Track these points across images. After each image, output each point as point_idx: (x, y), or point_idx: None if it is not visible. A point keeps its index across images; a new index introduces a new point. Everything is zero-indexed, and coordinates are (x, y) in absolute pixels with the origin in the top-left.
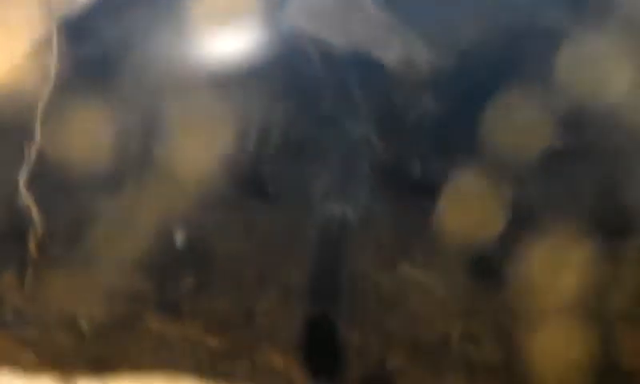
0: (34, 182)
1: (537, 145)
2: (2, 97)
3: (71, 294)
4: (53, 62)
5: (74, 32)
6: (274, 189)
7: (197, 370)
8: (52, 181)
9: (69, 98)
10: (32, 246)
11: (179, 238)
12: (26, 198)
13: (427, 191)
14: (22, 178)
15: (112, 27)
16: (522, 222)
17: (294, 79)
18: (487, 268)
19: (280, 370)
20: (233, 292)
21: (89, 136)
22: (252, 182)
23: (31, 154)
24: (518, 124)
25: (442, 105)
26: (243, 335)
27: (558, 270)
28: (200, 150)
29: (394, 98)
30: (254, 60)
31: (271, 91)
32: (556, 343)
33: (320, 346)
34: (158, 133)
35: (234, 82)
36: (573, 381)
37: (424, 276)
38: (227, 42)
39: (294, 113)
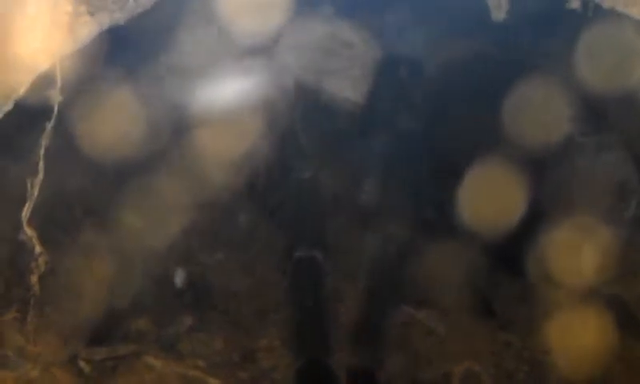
0: (36, 218)
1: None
2: (5, 131)
3: (72, 333)
4: (56, 96)
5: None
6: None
7: None
8: (54, 217)
9: (71, 133)
10: (34, 283)
11: (179, 277)
12: (28, 234)
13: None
14: (25, 215)
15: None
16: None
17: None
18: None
19: None
20: (232, 330)
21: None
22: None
23: (34, 190)
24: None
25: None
26: (243, 374)
27: (576, 258)
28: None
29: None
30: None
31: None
32: (573, 331)
33: None
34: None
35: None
36: (588, 369)
37: (425, 316)
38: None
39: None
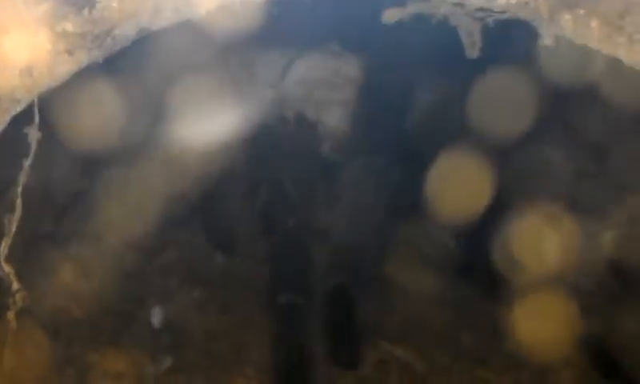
0: (13, 255)
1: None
2: None
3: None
4: (34, 133)
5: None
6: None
7: None
8: (32, 254)
9: (50, 169)
10: (11, 320)
11: (156, 316)
12: (6, 271)
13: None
14: (3, 252)
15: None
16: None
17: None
18: None
19: None
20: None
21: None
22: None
23: (12, 227)
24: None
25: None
26: None
27: (538, 247)
28: None
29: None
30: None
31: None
32: (540, 314)
33: None
34: None
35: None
36: (557, 353)
37: (403, 352)
38: None
39: None
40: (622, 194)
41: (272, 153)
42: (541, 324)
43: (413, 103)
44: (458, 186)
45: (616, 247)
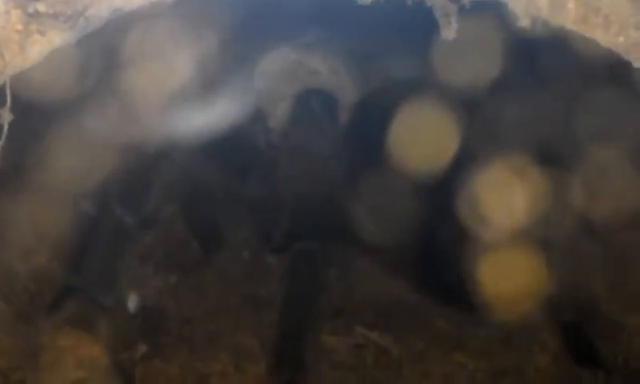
0: None
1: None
2: None
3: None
4: (5, 115)
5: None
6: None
7: None
8: None
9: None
10: None
11: (132, 302)
12: None
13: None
14: None
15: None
16: (470, 153)
17: None
18: None
19: None
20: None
21: None
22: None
23: None
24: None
25: None
26: None
27: (505, 198)
28: None
29: None
30: None
31: None
32: (506, 269)
33: None
34: None
35: None
36: (521, 306)
37: (379, 337)
38: None
39: None
40: (591, 145)
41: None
42: (509, 281)
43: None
44: (422, 138)
45: (586, 200)
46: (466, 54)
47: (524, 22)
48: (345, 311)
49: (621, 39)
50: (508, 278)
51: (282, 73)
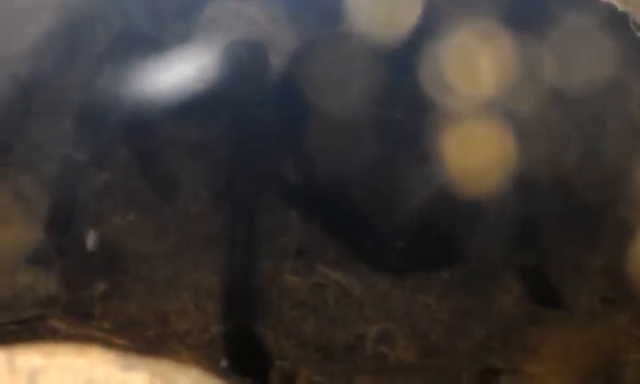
0: None
1: None
2: None
3: None
4: None
5: None
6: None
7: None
8: None
9: None
10: None
11: (91, 239)
12: None
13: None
14: None
15: None
16: (435, 18)
17: None
18: None
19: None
20: (144, 294)
21: None
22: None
23: None
24: None
25: None
26: (155, 336)
27: (471, 67)
28: None
29: None
30: None
31: None
32: (472, 142)
33: (244, 351)
34: None
35: None
36: (488, 178)
37: (341, 277)
38: None
39: None
40: (561, 13)
41: None
42: (476, 153)
43: None
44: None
45: (555, 70)
46: None
47: None
48: (306, 250)
49: None
50: (474, 150)
51: (220, 22)
